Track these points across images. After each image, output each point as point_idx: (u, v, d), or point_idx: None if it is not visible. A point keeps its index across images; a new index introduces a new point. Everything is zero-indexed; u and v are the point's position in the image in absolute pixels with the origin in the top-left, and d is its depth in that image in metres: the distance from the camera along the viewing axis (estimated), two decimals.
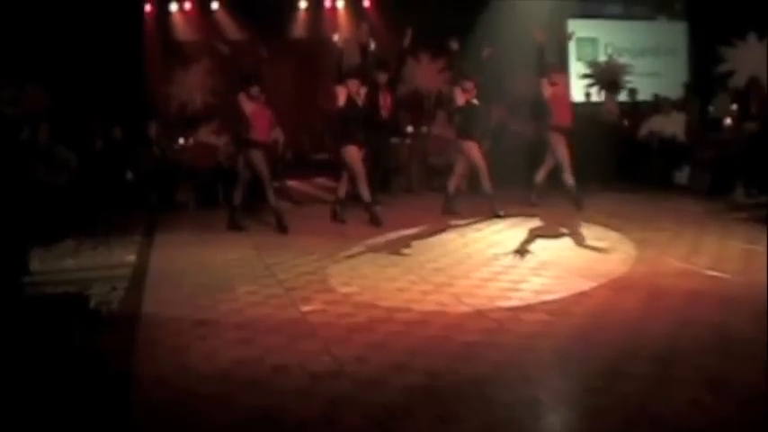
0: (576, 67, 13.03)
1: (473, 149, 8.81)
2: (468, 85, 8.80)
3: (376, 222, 8.49)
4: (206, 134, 11.20)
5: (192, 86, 11.96)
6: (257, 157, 8.39)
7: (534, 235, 7.51)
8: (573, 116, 9.05)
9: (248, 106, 8.33)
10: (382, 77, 9.60)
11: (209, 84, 12.02)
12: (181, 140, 11.38)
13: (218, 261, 7.12)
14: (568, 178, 8.87)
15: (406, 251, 7.05)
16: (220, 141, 11.11)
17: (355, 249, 7.27)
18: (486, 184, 8.81)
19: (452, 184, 9.12)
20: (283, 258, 6.99)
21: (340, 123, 8.72)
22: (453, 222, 8.39)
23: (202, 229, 9.03)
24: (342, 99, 8.59)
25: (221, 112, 11.68)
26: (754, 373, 3.67)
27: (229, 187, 11.19)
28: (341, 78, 8.61)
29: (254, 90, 8.33)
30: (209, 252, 7.56)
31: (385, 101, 9.65)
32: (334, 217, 8.92)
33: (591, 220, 8.08)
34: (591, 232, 7.46)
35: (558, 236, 7.44)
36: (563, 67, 9.29)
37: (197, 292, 5.89)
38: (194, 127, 11.33)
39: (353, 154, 8.60)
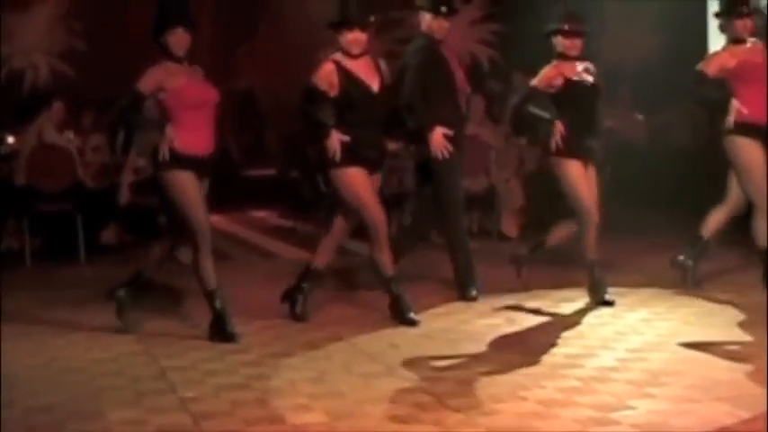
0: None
1: (572, 170, 8.27)
2: (572, 44, 8.25)
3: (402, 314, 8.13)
4: (50, 130, 11.38)
5: (34, 43, 12.15)
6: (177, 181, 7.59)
7: (642, 322, 7.72)
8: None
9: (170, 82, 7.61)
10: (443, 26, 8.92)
11: (63, 39, 12.20)
12: (10, 140, 11.62)
13: (76, 362, 7.21)
14: (761, 225, 8.37)
15: (414, 348, 7.20)
16: (81, 144, 11.28)
17: (322, 345, 7.40)
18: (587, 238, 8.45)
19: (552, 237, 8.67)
20: (191, 359, 7.10)
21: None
22: (499, 297, 8.59)
23: (48, 300, 9.19)
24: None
25: (82, 89, 11.88)
26: None
27: (100, 223, 11.41)
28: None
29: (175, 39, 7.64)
30: (61, 345, 7.68)
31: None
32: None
33: (747, 297, 8.28)
34: (744, 320, 7.63)
35: (685, 326, 7.63)
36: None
37: (38, 420, 5.94)
38: (36, 116, 11.51)
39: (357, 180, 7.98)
